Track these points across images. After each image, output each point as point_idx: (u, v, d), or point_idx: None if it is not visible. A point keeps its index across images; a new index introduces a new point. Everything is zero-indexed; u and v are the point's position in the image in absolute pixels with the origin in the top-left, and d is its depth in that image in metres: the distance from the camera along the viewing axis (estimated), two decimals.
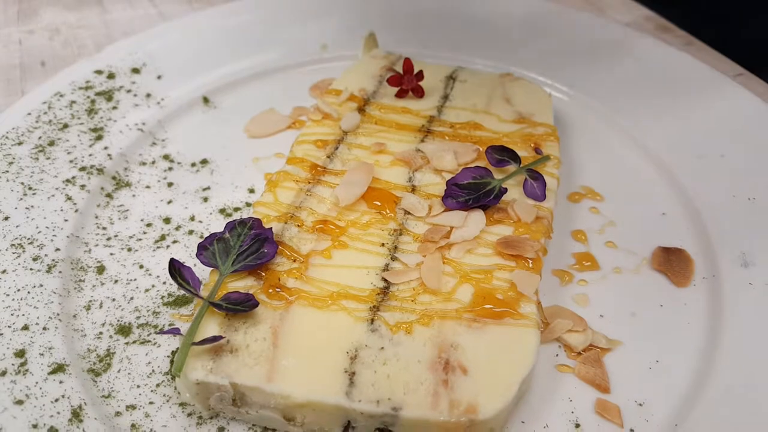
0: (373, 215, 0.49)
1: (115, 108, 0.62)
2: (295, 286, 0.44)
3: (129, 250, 0.51)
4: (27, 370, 0.42)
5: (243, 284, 0.43)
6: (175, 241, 0.52)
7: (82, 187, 0.55)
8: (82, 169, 0.56)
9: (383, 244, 0.47)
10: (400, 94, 0.61)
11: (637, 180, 0.59)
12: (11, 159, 0.56)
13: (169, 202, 0.55)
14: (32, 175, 0.55)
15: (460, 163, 0.54)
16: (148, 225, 0.53)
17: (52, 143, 0.58)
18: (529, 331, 0.41)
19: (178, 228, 0.53)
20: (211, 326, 0.41)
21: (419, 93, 0.61)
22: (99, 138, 0.59)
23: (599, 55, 0.69)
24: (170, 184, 0.57)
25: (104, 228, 0.53)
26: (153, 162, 0.59)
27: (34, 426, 0.39)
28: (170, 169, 0.58)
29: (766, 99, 0.68)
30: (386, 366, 0.39)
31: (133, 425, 0.40)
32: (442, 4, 0.74)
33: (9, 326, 0.44)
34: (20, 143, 0.58)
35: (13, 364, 0.42)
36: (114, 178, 0.57)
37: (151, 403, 0.42)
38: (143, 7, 0.88)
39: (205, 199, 0.56)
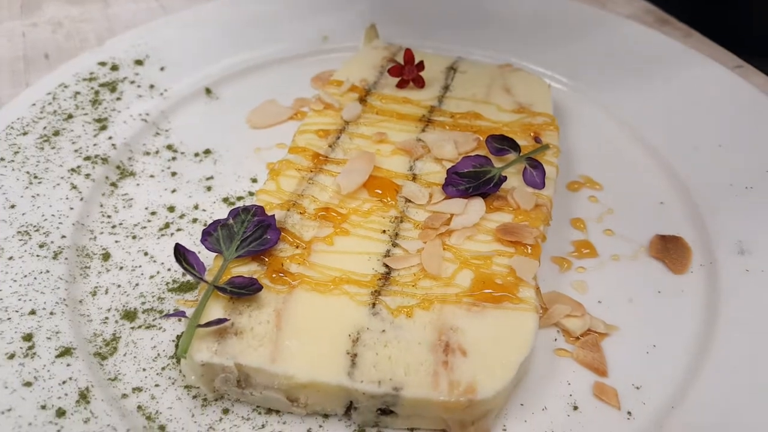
0: (375, 203, 0.50)
1: (119, 99, 0.63)
2: (298, 271, 0.44)
3: (134, 237, 0.52)
4: (35, 354, 0.43)
5: (247, 269, 0.44)
6: (179, 229, 0.53)
7: (87, 176, 0.55)
8: (87, 158, 0.57)
9: (384, 231, 0.48)
10: (400, 85, 0.62)
11: (635, 169, 0.59)
12: (17, 148, 0.57)
13: (173, 191, 0.56)
14: (38, 164, 0.56)
15: (460, 152, 0.54)
16: (153, 213, 0.54)
17: (57, 133, 0.59)
18: (527, 315, 0.42)
19: (182, 216, 0.54)
20: (216, 310, 0.41)
21: (420, 83, 0.62)
22: (103, 128, 0.60)
23: (598, 46, 0.70)
24: (174, 174, 0.58)
25: (109, 216, 0.53)
26: (157, 152, 0.59)
27: (43, 407, 0.40)
28: (174, 159, 0.59)
29: (764, 90, 0.69)
30: (387, 348, 0.40)
31: (139, 407, 0.41)
32: (443, 3, 0.75)
33: (16, 311, 0.45)
34: (25, 133, 0.58)
35: (21, 348, 0.43)
36: (118, 167, 0.57)
37: (156, 385, 0.42)
38: (145, 0, 0.89)
39: (209, 189, 0.57)
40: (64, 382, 0.41)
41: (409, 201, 0.50)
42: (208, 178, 0.58)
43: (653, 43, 0.70)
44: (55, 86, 0.63)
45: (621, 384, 0.43)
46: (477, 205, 0.49)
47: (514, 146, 0.53)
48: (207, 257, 0.46)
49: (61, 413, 0.40)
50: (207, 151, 0.60)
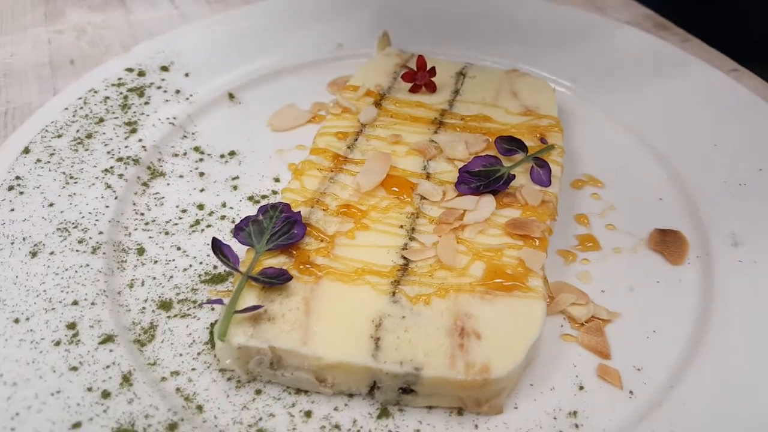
0: (392, 200, 0.53)
1: (147, 103, 0.66)
2: (323, 263, 0.48)
3: (166, 233, 0.55)
4: (79, 341, 0.46)
5: (276, 261, 0.47)
6: (209, 225, 0.56)
7: (120, 176, 0.59)
8: (119, 159, 0.60)
9: (402, 226, 0.51)
10: (413, 90, 0.65)
11: (635, 168, 0.62)
12: (52, 150, 0.60)
13: (202, 190, 0.60)
14: (73, 165, 0.59)
15: (471, 152, 0.58)
16: (183, 211, 0.57)
17: (89, 136, 0.62)
18: (536, 302, 0.45)
19: (211, 214, 0.57)
20: (250, 298, 0.45)
21: (432, 88, 0.65)
22: (133, 131, 0.63)
23: (600, 52, 0.73)
24: (201, 174, 0.61)
25: (142, 214, 0.57)
26: (185, 153, 0.63)
27: (89, 389, 0.43)
28: (201, 160, 0.62)
29: (758, 92, 0.72)
30: (408, 332, 0.43)
31: (177, 389, 0.45)
32: (452, 5, 0.78)
33: (60, 301, 0.48)
34: (60, 136, 0.62)
35: (66, 335, 0.46)
36: (149, 168, 0.61)
37: (193, 369, 0.46)
38: (165, 8, 0.92)
39: (235, 188, 0.60)
40: (107, 367, 0.45)
41: (424, 198, 0.54)
42: (234, 178, 0.61)
43: (652, 48, 0.73)
44: (86, 91, 0.67)
45: (623, 366, 0.46)
46: (488, 201, 0.52)
47: (522, 147, 0.57)
48: (239, 250, 0.49)
49: (106, 395, 0.43)
50: (232, 153, 0.63)
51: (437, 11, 0.78)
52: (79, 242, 0.53)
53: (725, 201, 0.57)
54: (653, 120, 0.66)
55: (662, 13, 0.91)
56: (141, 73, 0.69)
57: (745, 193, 0.57)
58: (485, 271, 0.47)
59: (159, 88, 0.68)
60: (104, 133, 0.63)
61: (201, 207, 0.58)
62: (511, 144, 0.57)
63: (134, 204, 0.58)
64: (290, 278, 0.45)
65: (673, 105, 0.67)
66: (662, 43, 0.74)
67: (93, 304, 0.48)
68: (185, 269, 0.53)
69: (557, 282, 0.51)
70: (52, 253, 0.52)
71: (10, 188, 0.56)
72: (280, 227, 0.49)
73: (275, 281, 0.45)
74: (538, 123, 0.61)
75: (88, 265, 0.51)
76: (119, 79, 0.69)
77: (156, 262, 0.53)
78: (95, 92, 0.67)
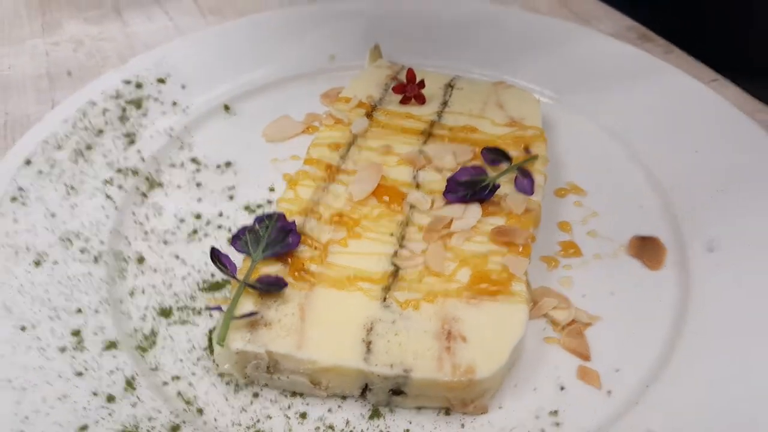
0: (383, 209, 0.56)
1: (144, 115, 0.68)
2: (317, 270, 0.50)
3: (165, 242, 0.57)
4: (84, 347, 0.48)
5: (272, 269, 0.49)
6: (206, 235, 0.58)
7: (120, 187, 0.61)
8: (119, 170, 0.62)
9: (392, 234, 0.54)
10: (404, 101, 0.68)
11: (617, 175, 0.65)
12: (53, 162, 0.62)
13: (199, 200, 0.62)
14: (73, 176, 0.61)
15: (458, 162, 0.60)
16: (181, 221, 0.60)
17: (89, 147, 0.64)
18: (519, 306, 0.48)
19: (208, 223, 0.60)
20: (247, 305, 0.47)
21: (421, 100, 0.68)
22: (132, 142, 0.65)
23: (584, 63, 0.76)
24: (198, 184, 0.63)
25: (141, 223, 0.59)
26: (182, 164, 0.65)
27: (95, 394, 0.45)
28: (198, 170, 0.65)
29: (735, 101, 0.75)
30: (398, 336, 0.46)
31: (178, 392, 0.47)
32: (441, 19, 0.81)
33: (64, 309, 0.50)
34: (60, 147, 0.64)
35: (71, 342, 0.48)
36: (147, 178, 0.63)
37: (193, 374, 0.48)
38: (161, 20, 0.94)
39: (231, 197, 0.62)
40: (111, 372, 0.47)
41: (414, 207, 0.56)
42: (230, 188, 0.63)
43: (634, 59, 0.76)
44: (85, 103, 0.69)
45: (602, 367, 0.49)
46: (474, 210, 0.55)
47: (507, 157, 0.59)
48: (236, 259, 0.51)
49: (111, 399, 0.45)
50: (228, 163, 0.66)
51: (427, 24, 0.80)
52: (82, 252, 0.55)
53: (703, 207, 0.59)
54: (635, 129, 0.68)
55: (647, 25, 0.94)
56: (138, 85, 0.71)
57: (722, 199, 0.60)
58: (471, 276, 0.50)
59: (156, 100, 0.70)
60: (103, 145, 0.65)
61: (198, 216, 0.60)
62: (496, 154, 0.59)
63: (134, 214, 0.60)
64: (286, 285, 0.48)
65: (655, 114, 0.69)
66: (644, 54, 0.76)
67: (96, 311, 0.50)
68: (184, 277, 0.55)
69: (540, 287, 0.54)
70: (55, 262, 0.54)
71: (13, 199, 0.58)
72: (275, 236, 0.51)
73: (271, 288, 0.47)
74: (523, 133, 0.63)
75: (90, 274, 0.53)
76: (117, 91, 0.71)
77: (156, 270, 0.55)
78: (94, 104, 0.69)
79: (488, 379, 0.44)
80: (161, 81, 0.72)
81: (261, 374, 0.46)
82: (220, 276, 0.55)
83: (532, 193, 0.57)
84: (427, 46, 0.78)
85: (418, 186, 0.58)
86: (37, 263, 0.53)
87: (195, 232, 0.59)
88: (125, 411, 0.44)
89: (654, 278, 0.56)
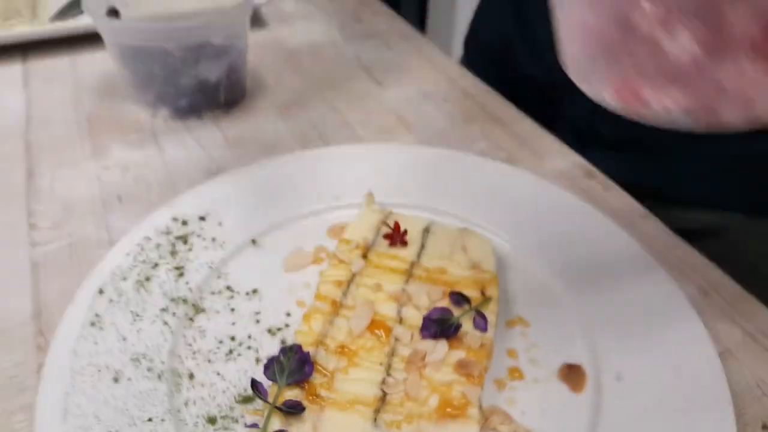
0: (374, 342, 0.74)
1: (190, 250, 0.87)
2: (325, 394, 0.68)
3: (209, 361, 0.75)
4: None
5: (293, 393, 0.68)
6: (239, 354, 0.77)
7: (173, 314, 0.79)
8: (172, 299, 0.81)
9: (381, 363, 0.72)
10: (391, 245, 0.87)
11: (555, 310, 0.84)
12: (120, 291, 0.81)
13: (233, 323, 0.80)
14: (137, 304, 0.79)
15: (432, 300, 0.79)
16: (220, 342, 0.78)
17: (148, 279, 0.83)
18: (473, 426, 0.66)
19: (240, 344, 0.78)
20: (275, 422, 0.65)
21: (404, 244, 0.87)
22: (181, 275, 0.84)
23: (531, 208, 0.96)
24: (233, 310, 0.82)
25: (190, 344, 0.77)
26: (219, 292, 0.84)
27: None
28: (232, 297, 0.83)
29: (657, 235, 0.94)
30: None
31: None
32: (420, 171, 1.01)
33: (139, 418, 0.68)
34: (125, 279, 0.82)
35: None
36: (194, 306, 0.81)
37: None
38: (194, 149, 1.14)
39: (257, 321, 0.81)
40: None
41: (398, 340, 0.75)
42: (257, 313, 0.82)
43: (570, 206, 0.96)
44: (142, 238, 0.88)
45: None
46: (442, 345, 0.74)
47: (467, 299, 0.78)
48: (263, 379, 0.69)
49: None
50: (254, 290, 0.84)
51: (409, 174, 1.00)
52: (148, 370, 0.73)
53: (615, 343, 0.78)
54: (569, 271, 0.88)
55: (591, 161, 1.14)
56: (184, 222, 0.90)
57: (629, 338, 0.79)
58: (439, 402, 0.68)
59: (199, 236, 0.89)
60: (159, 276, 0.83)
61: (233, 338, 0.78)
62: (459, 296, 0.79)
63: (184, 336, 0.78)
64: (303, 409, 0.66)
65: (583, 258, 0.89)
66: (577, 200, 0.96)
67: (162, 420, 0.68)
68: (224, 391, 0.73)
69: (490, 406, 0.72)
70: (129, 379, 0.71)
71: (92, 324, 0.77)
72: (295, 366, 0.69)
73: (293, 411, 0.66)
74: (481, 276, 0.83)
75: (155, 389, 0.71)
76: (167, 227, 0.90)
77: (203, 385, 0.73)
78: (149, 239, 0.88)
79: None
80: (202, 219, 0.91)
81: None
82: (251, 391, 0.73)
83: (485, 330, 0.76)
84: (409, 190, 0.98)
85: (401, 320, 0.77)
86: (116, 380, 0.71)
87: (231, 351, 0.77)
88: None
89: (577, 399, 0.74)
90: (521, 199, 0.98)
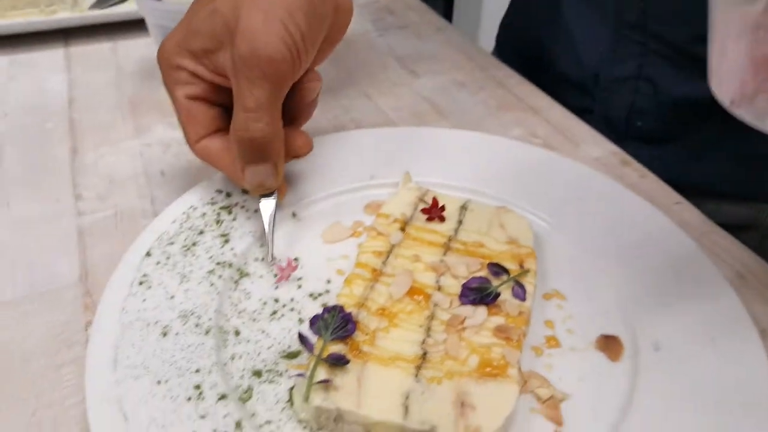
0: (414, 306, 0.76)
1: (234, 219, 0.90)
2: (368, 350, 0.70)
3: (254, 320, 0.78)
4: (203, 398, 0.67)
5: (337, 348, 0.70)
6: (282, 315, 0.79)
7: (219, 276, 0.82)
8: (219, 263, 0.83)
9: (421, 326, 0.74)
10: (429, 220, 0.89)
11: (590, 286, 0.85)
12: (168, 254, 0.83)
13: (276, 287, 0.82)
14: (184, 267, 0.82)
15: (470, 272, 0.81)
16: (264, 303, 0.80)
17: (194, 244, 0.85)
18: (512, 386, 0.67)
19: (283, 306, 0.80)
20: (321, 373, 0.67)
21: (442, 219, 0.89)
22: (227, 241, 0.86)
23: (568, 191, 0.98)
24: (275, 275, 0.84)
25: (235, 305, 0.79)
26: (262, 259, 0.86)
27: (214, 431, 0.65)
28: (274, 264, 0.86)
29: (693, 222, 0.96)
30: (426, 403, 0.65)
31: None
32: (453, 150, 1.04)
33: (187, 369, 0.70)
34: (172, 243, 0.85)
35: (194, 394, 0.68)
36: (239, 270, 0.84)
37: (280, 419, 0.67)
38: None
39: (299, 287, 0.83)
40: (225, 416, 0.66)
41: (437, 305, 0.77)
42: (298, 279, 0.84)
43: (611, 192, 0.97)
44: (187, 208, 0.90)
45: (571, 430, 0.68)
46: (481, 311, 0.75)
47: (506, 271, 0.80)
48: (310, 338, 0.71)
49: None
50: (296, 259, 0.87)
51: (446, 155, 1.03)
52: (195, 326, 0.75)
53: (652, 316, 0.79)
54: (606, 249, 0.89)
55: (627, 150, 1.15)
56: (228, 194, 0.93)
57: (668, 311, 0.80)
58: (479, 362, 0.70)
59: (243, 207, 0.92)
60: (205, 242, 0.86)
61: (276, 300, 0.81)
62: (497, 268, 0.80)
63: (230, 297, 0.80)
64: (347, 361, 0.68)
65: (620, 237, 0.90)
66: (614, 184, 0.98)
67: (210, 371, 0.70)
68: (269, 347, 0.75)
69: (528, 370, 0.73)
70: (177, 333, 0.74)
71: (141, 283, 0.79)
72: (338, 323, 0.71)
73: (338, 362, 0.67)
74: (519, 251, 0.84)
75: (203, 343, 0.73)
76: (212, 198, 0.92)
77: (248, 341, 0.75)
78: (195, 208, 0.90)
79: None
80: (245, 191, 0.94)
81: (329, 423, 0.66)
82: (295, 347, 0.75)
83: (524, 299, 0.77)
84: (447, 171, 1.00)
85: (440, 288, 0.79)
86: (164, 334, 0.73)
87: (275, 312, 0.79)
88: None
89: (614, 367, 0.75)
90: (558, 180, 0.99)
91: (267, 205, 0.86)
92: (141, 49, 1.44)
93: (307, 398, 0.65)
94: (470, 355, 0.71)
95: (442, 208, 0.89)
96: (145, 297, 0.78)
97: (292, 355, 0.74)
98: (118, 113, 1.23)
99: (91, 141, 1.15)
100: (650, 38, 1.21)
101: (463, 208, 0.92)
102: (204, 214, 0.90)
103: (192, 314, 0.76)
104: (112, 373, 0.69)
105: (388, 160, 1.02)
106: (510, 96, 1.29)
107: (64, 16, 1.45)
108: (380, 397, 0.66)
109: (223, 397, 0.68)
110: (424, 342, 0.72)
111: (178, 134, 1.16)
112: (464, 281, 0.79)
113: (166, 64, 0.85)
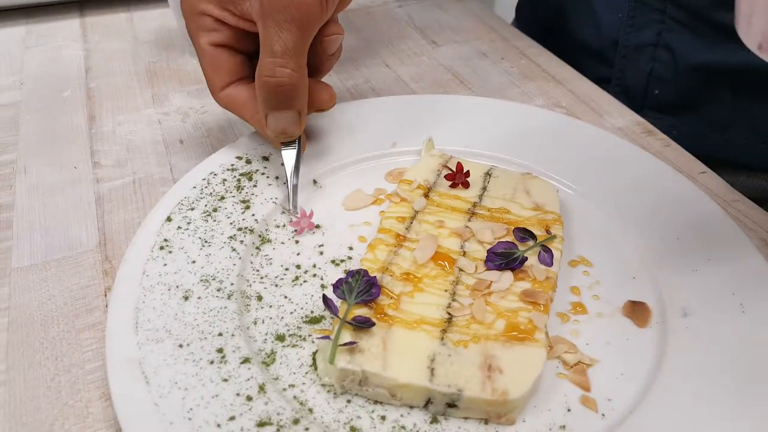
0: (439, 271, 0.75)
1: (255, 186, 0.88)
2: (393, 314, 0.69)
3: (276, 285, 0.77)
4: (226, 361, 0.67)
5: (362, 311, 0.69)
6: (305, 281, 0.78)
7: (241, 242, 0.81)
8: (240, 229, 0.82)
9: (446, 290, 0.73)
10: (453, 186, 0.88)
11: (617, 253, 0.83)
12: (189, 220, 0.82)
13: (298, 254, 0.81)
14: (205, 232, 0.81)
15: (495, 237, 0.80)
16: (286, 269, 0.79)
17: (215, 210, 0.84)
18: (539, 350, 0.66)
19: (306, 272, 0.79)
20: (346, 336, 0.66)
21: (466, 185, 0.88)
22: (247, 208, 0.85)
23: (595, 159, 0.95)
24: (297, 242, 0.83)
25: (257, 270, 0.79)
26: (284, 226, 0.85)
27: (237, 394, 0.64)
28: (295, 231, 0.84)
29: (719, 191, 0.94)
30: (453, 366, 0.64)
31: (294, 396, 0.65)
32: (480, 118, 1.02)
33: (210, 333, 0.69)
34: (192, 209, 0.84)
35: (216, 357, 0.67)
36: (260, 236, 0.83)
37: (303, 383, 0.66)
38: None
39: (321, 253, 0.82)
40: (248, 379, 0.65)
41: (462, 270, 0.75)
42: (320, 246, 0.83)
43: (636, 159, 0.95)
44: (207, 174, 0.89)
45: (598, 396, 0.66)
46: (507, 276, 0.74)
47: (532, 236, 0.79)
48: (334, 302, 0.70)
49: (249, 398, 0.64)
50: (318, 226, 0.85)
51: (469, 122, 1.01)
52: (217, 290, 0.74)
53: (680, 282, 0.78)
54: (633, 216, 0.87)
55: (650, 120, 1.13)
56: (248, 161, 0.92)
57: (695, 276, 0.78)
58: (505, 326, 0.68)
59: (263, 174, 0.90)
60: (226, 208, 0.85)
61: (298, 266, 0.80)
62: (524, 233, 0.79)
63: (251, 263, 0.79)
64: (373, 324, 0.67)
65: (646, 204, 0.88)
66: (645, 155, 0.96)
67: (232, 335, 0.70)
68: (292, 312, 0.74)
69: (555, 335, 0.72)
70: (199, 297, 0.73)
71: (161, 248, 0.78)
72: (362, 287, 0.70)
73: (363, 325, 0.66)
74: (545, 217, 0.83)
75: (225, 307, 0.72)
76: (232, 164, 0.91)
77: (271, 306, 0.74)
78: (215, 175, 0.89)
79: (517, 400, 0.62)
80: (266, 158, 0.93)
81: (354, 386, 0.65)
82: (318, 312, 0.74)
83: (551, 265, 0.76)
84: (471, 138, 0.98)
85: (464, 254, 0.78)
86: (186, 298, 0.73)
87: (297, 278, 0.78)
88: (260, 408, 0.63)
89: (642, 333, 0.74)
90: (583, 148, 0.97)
91: (289, 155, 0.85)
92: (157, 19, 1.43)
93: (332, 360, 0.64)
94: (496, 319, 0.69)
95: (467, 174, 0.88)
96: (166, 261, 0.77)
97: (314, 320, 0.73)
98: (135, 82, 1.22)
99: (109, 109, 1.14)
100: (669, 4, 1.18)
101: (488, 174, 0.90)
102: (224, 180, 0.89)
103: (214, 279, 0.76)
104: (133, 336, 0.68)
105: (411, 128, 1.01)
106: (533, 66, 1.26)
107: None
108: (406, 359, 0.65)
109: (246, 360, 0.67)
110: (449, 306, 0.71)
111: (196, 103, 1.15)
112: (489, 246, 0.77)
113: (190, 10, 0.84)
